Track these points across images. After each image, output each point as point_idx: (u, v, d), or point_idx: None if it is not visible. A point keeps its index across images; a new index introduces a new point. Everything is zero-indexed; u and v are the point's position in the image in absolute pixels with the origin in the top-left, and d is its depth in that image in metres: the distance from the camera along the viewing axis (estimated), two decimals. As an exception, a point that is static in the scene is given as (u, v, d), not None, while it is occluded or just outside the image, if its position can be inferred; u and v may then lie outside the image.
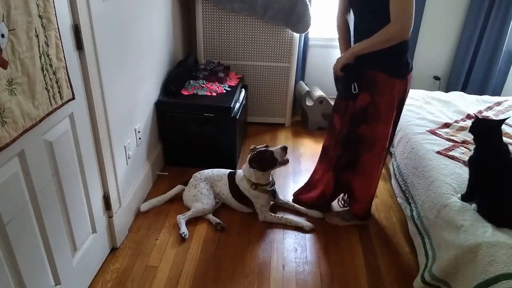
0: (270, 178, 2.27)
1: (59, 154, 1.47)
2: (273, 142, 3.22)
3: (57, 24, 1.35)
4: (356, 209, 2.22)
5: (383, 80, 1.79)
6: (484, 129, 1.69)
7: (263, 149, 2.19)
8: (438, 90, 3.46)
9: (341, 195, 2.34)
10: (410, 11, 1.58)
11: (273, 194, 2.29)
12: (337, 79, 1.99)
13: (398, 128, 2.50)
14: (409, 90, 1.92)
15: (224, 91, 2.79)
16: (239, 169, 2.40)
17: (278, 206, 2.41)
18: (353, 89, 1.85)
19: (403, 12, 1.58)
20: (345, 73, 1.89)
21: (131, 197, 2.20)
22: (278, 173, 2.74)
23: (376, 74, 1.79)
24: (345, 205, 2.35)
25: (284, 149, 2.19)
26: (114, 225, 1.97)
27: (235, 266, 1.96)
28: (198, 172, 2.41)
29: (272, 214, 2.28)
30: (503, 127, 2.30)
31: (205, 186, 2.32)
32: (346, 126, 2.00)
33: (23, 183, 1.29)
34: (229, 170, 2.42)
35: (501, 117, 2.53)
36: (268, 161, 2.17)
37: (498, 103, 2.81)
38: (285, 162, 2.20)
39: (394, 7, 1.59)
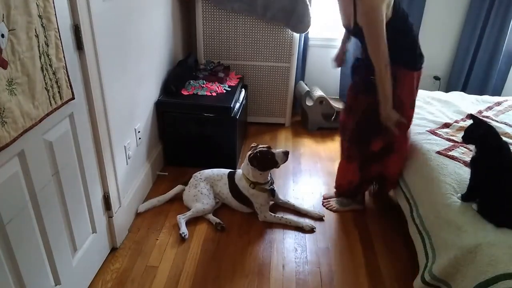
0: (269, 177, 2.28)
1: (59, 154, 1.47)
2: (273, 142, 3.22)
3: (57, 24, 1.35)
4: (389, 188, 2.33)
5: (404, 74, 1.92)
6: (482, 134, 1.68)
7: (266, 149, 2.20)
8: (438, 90, 3.46)
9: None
10: (381, 53, 1.75)
11: (272, 193, 2.28)
12: (355, 70, 2.12)
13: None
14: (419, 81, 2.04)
15: (224, 91, 2.79)
16: (239, 168, 2.40)
17: (278, 206, 2.41)
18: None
19: (375, 57, 1.77)
20: (365, 70, 1.95)
21: (131, 197, 2.20)
22: (278, 173, 2.74)
23: (397, 69, 1.87)
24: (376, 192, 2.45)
25: (286, 154, 2.20)
26: (114, 225, 1.97)
27: (235, 266, 1.96)
28: (198, 172, 2.41)
29: (272, 214, 2.28)
30: (503, 127, 2.31)
31: (205, 186, 2.32)
32: (364, 120, 2.08)
33: (23, 183, 1.29)
34: (229, 170, 2.42)
35: (501, 117, 2.53)
36: (268, 162, 2.18)
37: (498, 103, 2.81)
38: (282, 160, 2.21)
39: (369, 52, 1.78)
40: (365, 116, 2.05)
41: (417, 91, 2.08)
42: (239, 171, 2.34)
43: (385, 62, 1.78)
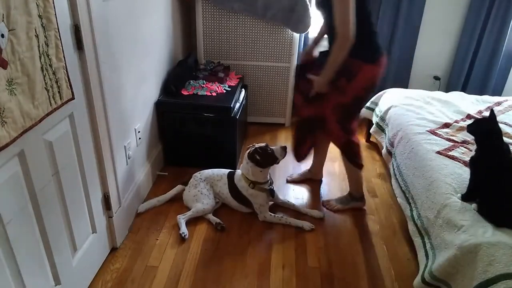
0: (268, 177, 2.27)
1: (59, 154, 1.47)
2: (273, 142, 3.22)
3: (57, 24, 1.35)
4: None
5: (357, 66, 1.95)
6: (485, 129, 1.69)
7: (265, 145, 2.21)
8: (438, 90, 3.45)
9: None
10: (348, 23, 1.79)
11: (271, 193, 2.29)
12: (306, 68, 2.20)
13: (398, 128, 2.51)
14: (381, 74, 2.04)
15: (224, 91, 2.79)
16: (239, 169, 2.40)
17: (278, 206, 2.41)
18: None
19: (342, 24, 1.80)
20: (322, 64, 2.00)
21: (131, 197, 2.20)
22: (278, 173, 2.74)
23: (351, 62, 1.92)
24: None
25: (284, 149, 2.21)
26: (114, 225, 1.97)
27: (235, 266, 1.96)
28: (198, 172, 2.41)
29: (271, 214, 2.28)
30: (503, 127, 2.31)
31: (205, 186, 2.32)
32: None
33: (23, 183, 1.29)
34: (228, 170, 2.42)
35: (501, 117, 2.53)
36: (269, 158, 2.19)
37: (498, 103, 2.81)
38: (282, 156, 2.24)
39: (336, 21, 1.82)
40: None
41: (370, 88, 2.07)
42: (238, 172, 2.34)
43: (349, 33, 1.80)
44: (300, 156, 2.47)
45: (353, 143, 2.22)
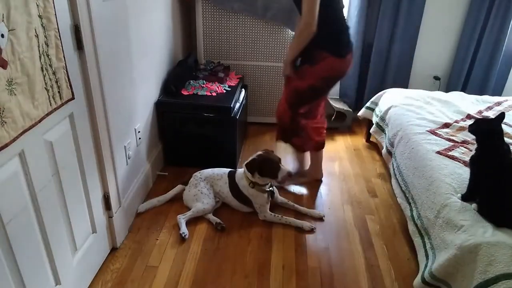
0: (268, 181, 2.27)
1: (59, 154, 1.47)
2: (273, 142, 3.22)
3: (57, 24, 1.35)
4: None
5: (322, 56, 2.08)
6: (486, 129, 1.69)
7: (275, 158, 2.21)
8: (438, 90, 3.45)
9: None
10: (313, 13, 1.92)
11: (272, 194, 2.29)
12: None
13: (398, 128, 2.51)
14: (347, 70, 2.18)
15: (224, 91, 2.79)
16: (240, 168, 2.40)
17: (278, 206, 2.41)
18: (297, 63, 2.20)
19: (307, 13, 1.93)
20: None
21: (131, 197, 2.20)
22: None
23: (319, 53, 2.07)
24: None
25: (289, 175, 2.20)
26: (114, 225, 1.97)
27: (235, 266, 1.96)
28: (198, 171, 2.41)
29: (272, 213, 2.28)
30: (504, 127, 2.31)
31: (205, 186, 2.32)
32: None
33: (23, 183, 1.29)
34: (229, 169, 2.42)
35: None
36: (270, 171, 2.18)
37: (498, 103, 2.81)
38: (281, 183, 2.27)
39: (303, 10, 1.94)
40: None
41: (330, 80, 2.20)
42: (240, 170, 2.34)
43: (313, 22, 1.92)
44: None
45: (296, 123, 2.34)
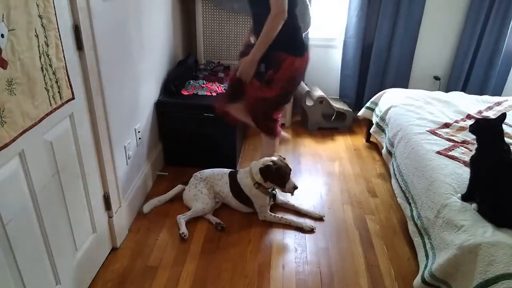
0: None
1: (59, 154, 1.47)
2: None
3: (57, 24, 1.35)
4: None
5: (283, 58, 2.06)
6: (486, 129, 1.69)
7: (289, 170, 2.20)
8: (438, 90, 3.45)
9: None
10: (284, 1, 1.90)
11: (273, 197, 2.30)
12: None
13: (398, 128, 2.51)
14: (306, 67, 2.21)
15: (224, 91, 2.79)
16: (240, 169, 2.40)
17: (278, 206, 2.41)
18: (262, 69, 2.14)
19: (276, 2, 1.90)
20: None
21: (131, 197, 2.20)
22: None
23: (279, 54, 2.05)
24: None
25: (294, 188, 2.20)
26: (114, 225, 1.97)
27: (235, 266, 1.96)
28: (199, 172, 2.41)
29: (272, 214, 2.28)
30: (504, 127, 2.31)
31: (205, 186, 2.32)
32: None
33: (23, 183, 1.29)
34: (229, 170, 2.42)
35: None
36: (280, 181, 2.18)
37: (498, 103, 2.81)
38: (288, 191, 2.22)
39: (271, 2, 1.90)
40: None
41: (294, 81, 2.17)
42: (246, 169, 2.32)
43: (284, 9, 1.91)
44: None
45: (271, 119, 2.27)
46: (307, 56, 2.17)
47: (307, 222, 2.26)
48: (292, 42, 2.08)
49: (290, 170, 2.22)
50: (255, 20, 2.15)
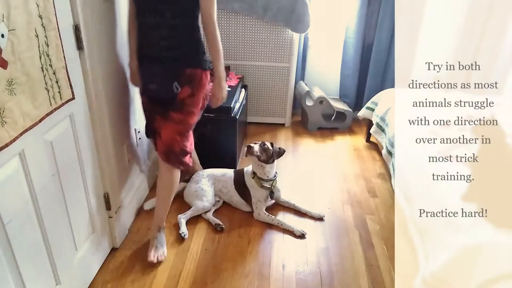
0: (269, 175, 2.27)
1: (59, 154, 1.47)
2: (273, 141, 3.22)
3: (57, 24, 1.35)
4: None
5: (199, 74, 1.87)
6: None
7: (267, 143, 2.26)
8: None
9: None
10: (215, 9, 1.89)
11: (271, 195, 2.30)
12: (150, 79, 1.89)
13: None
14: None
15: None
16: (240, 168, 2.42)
17: (279, 205, 2.41)
18: (175, 88, 1.83)
19: (212, 11, 1.90)
20: (165, 75, 1.85)
21: (131, 197, 2.20)
22: (278, 172, 2.74)
23: (193, 71, 1.85)
24: None
25: (282, 152, 2.30)
26: (114, 225, 1.97)
27: (235, 266, 1.96)
28: (202, 170, 2.44)
29: (266, 213, 2.28)
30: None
31: (206, 183, 2.33)
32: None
33: (23, 183, 1.29)
34: (233, 170, 2.47)
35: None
36: (264, 153, 2.23)
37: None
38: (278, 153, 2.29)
39: (208, 9, 1.89)
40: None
41: (207, 95, 2.03)
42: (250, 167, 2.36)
43: (215, 23, 1.89)
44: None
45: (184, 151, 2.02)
46: (210, 73, 1.97)
47: (297, 228, 2.21)
48: (202, 57, 1.88)
49: (271, 143, 2.29)
50: (175, 31, 1.81)
